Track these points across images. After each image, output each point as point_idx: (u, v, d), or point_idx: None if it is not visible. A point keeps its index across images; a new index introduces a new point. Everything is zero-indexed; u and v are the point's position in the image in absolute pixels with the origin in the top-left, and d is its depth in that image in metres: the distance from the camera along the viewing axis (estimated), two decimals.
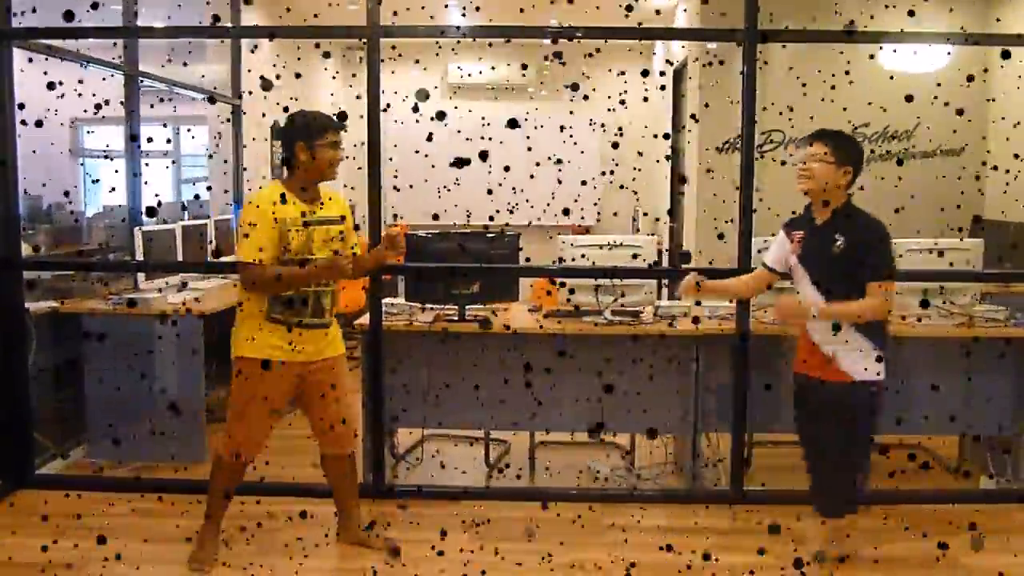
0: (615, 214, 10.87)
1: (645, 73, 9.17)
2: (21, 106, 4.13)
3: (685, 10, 8.37)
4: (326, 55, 9.77)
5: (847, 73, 4.35)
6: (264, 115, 7.36)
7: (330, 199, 3.63)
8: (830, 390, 3.41)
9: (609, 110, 9.44)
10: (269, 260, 3.40)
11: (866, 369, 3.36)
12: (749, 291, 3.88)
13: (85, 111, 3.78)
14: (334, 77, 10.23)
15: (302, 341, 3.50)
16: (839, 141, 3.41)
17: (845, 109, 5.22)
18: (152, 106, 5.52)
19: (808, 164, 3.41)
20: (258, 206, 3.43)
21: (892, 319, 3.71)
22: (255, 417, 3.50)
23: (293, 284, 3.44)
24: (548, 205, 8.55)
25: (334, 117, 3.56)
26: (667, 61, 9.25)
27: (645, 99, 8.75)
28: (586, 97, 9.84)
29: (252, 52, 7.00)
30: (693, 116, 7.31)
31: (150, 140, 4.01)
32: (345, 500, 3.81)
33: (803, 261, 3.49)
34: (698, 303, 4.54)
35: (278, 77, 7.23)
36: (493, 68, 10.55)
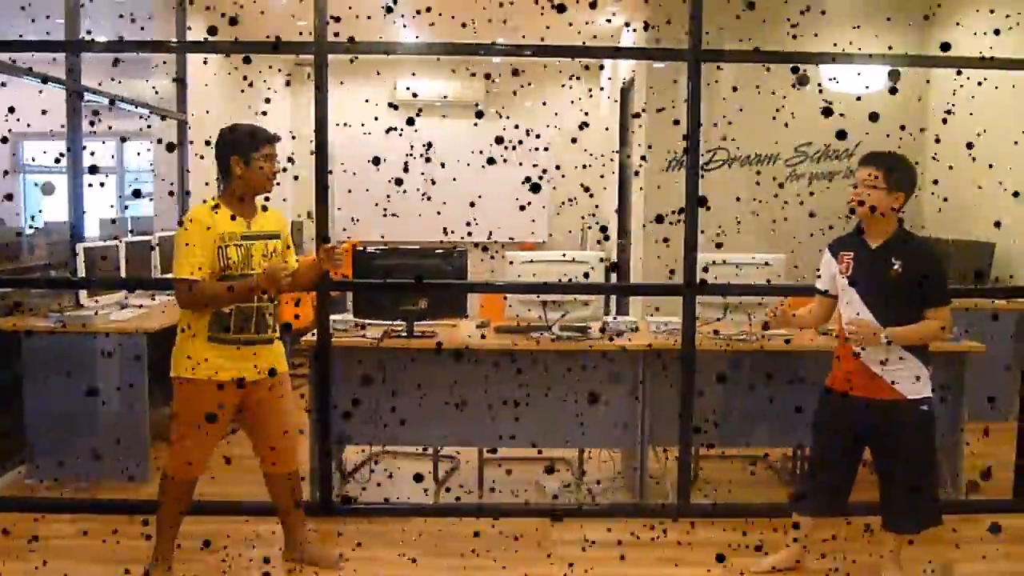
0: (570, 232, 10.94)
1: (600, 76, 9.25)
2: None
3: (633, 30, 8.47)
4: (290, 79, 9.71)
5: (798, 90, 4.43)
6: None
7: (267, 214, 3.61)
8: (879, 408, 3.43)
9: (555, 127, 9.50)
10: (206, 277, 3.36)
11: (915, 387, 3.40)
12: (817, 321, 3.77)
13: (28, 125, 3.71)
14: (286, 83, 10.18)
15: (244, 359, 3.46)
16: (891, 165, 3.41)
17: (786, 125, 5.31)
18: (94, 124, 5.42)
19: (860, 189, 3.41)
20: (193, 222, 3.38)
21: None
22: (198, 437, 3.45)
23: (230, 300, 3.39)
24: (498, 224, 8.58)
25: (268, 130, 3.54)
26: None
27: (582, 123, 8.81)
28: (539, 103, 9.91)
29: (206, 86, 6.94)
30: (643, 158, 7.36)
31: (95, 171, 3.91)
32: (290, 518, 3.77)
33: (854, 283, 3.49)
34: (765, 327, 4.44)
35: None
36: (442, 85, 10.59)
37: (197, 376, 3.40)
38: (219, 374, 3.40)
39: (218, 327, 3.42)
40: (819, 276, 3.69)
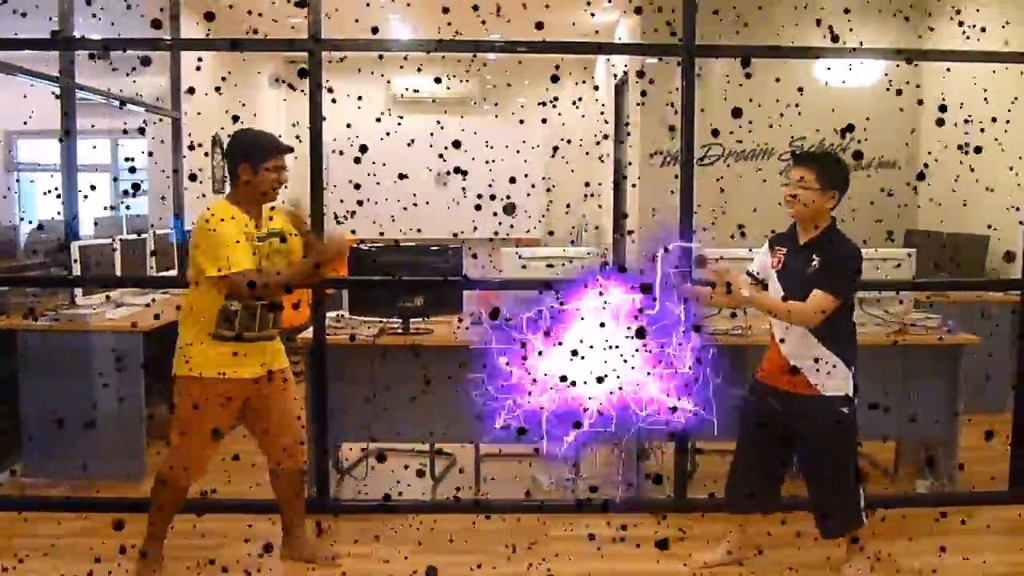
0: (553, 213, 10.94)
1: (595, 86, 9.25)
2: None
3: (626, 24, 8.46)
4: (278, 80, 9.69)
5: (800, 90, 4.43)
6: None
7: (272, 214, 3.61)
8: (797, 402, 3.45)
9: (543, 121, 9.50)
10: (249, 266, 3.33)
11: (833, 384, 3.40)
12: None
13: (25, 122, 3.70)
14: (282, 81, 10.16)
15: (247, 356, 3.45)
16: (824, 166, 3.42)
17: (783, 115, 5.29)
18: (93, 125, 5.41)
19: (794, 190, 3.43)
20: (217, 219, 3.34)
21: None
22: (200, 436, 3.42)
23: (288, 283, 3.38)
24: (495, 216, 8.57)
25: (281, 140, 3.52)
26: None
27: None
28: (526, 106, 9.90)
29: (198, 70, 6.92)
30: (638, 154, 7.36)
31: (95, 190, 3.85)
32: (292, 515, 3.77)
33: (780, 277, 3.52)
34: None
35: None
36: (438, 81, 10.55)
37: (199, 374, 3.39)
38: (222, 372, 3.40)
39: (222, 325, 3.40)
40: (752, 262, 3.71)
